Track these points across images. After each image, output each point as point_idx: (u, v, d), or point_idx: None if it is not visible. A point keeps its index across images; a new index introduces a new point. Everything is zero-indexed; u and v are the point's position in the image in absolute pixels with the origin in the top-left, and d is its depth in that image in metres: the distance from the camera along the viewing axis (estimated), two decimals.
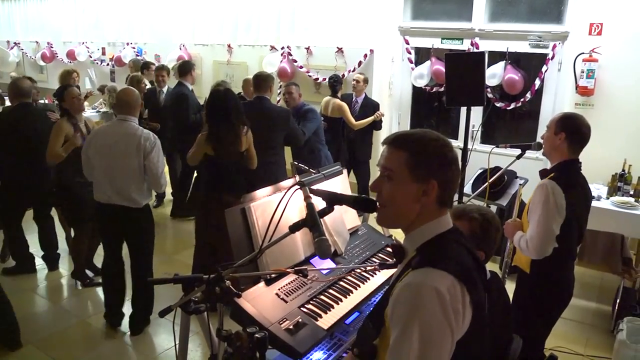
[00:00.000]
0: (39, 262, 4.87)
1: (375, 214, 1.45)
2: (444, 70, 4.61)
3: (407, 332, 1.18)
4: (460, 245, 1.36)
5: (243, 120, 3.86)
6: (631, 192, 4.47)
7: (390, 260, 2.44)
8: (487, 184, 3.67)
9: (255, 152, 4.14)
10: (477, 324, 1.28)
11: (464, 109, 5.65)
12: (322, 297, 2.25)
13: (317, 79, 7.05)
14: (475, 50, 5.90)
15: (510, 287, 2.86)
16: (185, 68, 5.91)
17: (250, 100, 4.53)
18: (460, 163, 1.39)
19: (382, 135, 6.22)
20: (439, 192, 1.34)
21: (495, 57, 5.86)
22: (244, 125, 3.86)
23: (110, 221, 3.67)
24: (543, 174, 2.75)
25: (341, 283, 2.38)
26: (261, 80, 4.52)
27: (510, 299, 2.35)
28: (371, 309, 1.53)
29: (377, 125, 5.92)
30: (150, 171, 3.54)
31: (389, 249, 2.74)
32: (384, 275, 2.47)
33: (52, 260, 4.82)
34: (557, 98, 5.72)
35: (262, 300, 2.09)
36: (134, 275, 3.82)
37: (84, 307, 4.17)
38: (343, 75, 6.35)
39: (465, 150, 4.17)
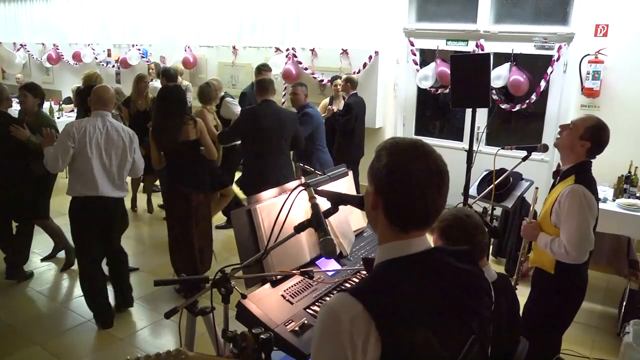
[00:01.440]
0: (45, 263, 4.92)
1: None
2: (449, 71, 4.59)
3: (315, 347, 1.16)
4: (417, 277, 1.19)
5: (183, 112, 4.08)
6: (637, 194, 4.45)
7: None
8: (492, 185, 3.66)
9: (266, 153, 4.36)
10: None
11: (469, 111, 5.64)
12: (327, 298, 2.25)
13: (322, 80, 7.06)
14: (481, 51, 5.90)
15: (521, 290, 2.87)
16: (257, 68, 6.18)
17: (257, 104, 4.56)
18: (443, 180, 1.19)
19: (384, 137, 6.21)
20: (384, 207, 1.21)
21: (501, 58, 5.85)
22: (187, 116, 4.10)
23: (96, 214, 3.78)
24: (562, 175, 2.73)
25: (347, 285, 2.38)
26: (264, 85, 4.56)
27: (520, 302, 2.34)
28: None
29: (337, 124, 5.85)
30: (135, 161, 3.89)
31: None
32: None
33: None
34: (562, 100, 5.71)
35: (267, 302, 2.10)
36: (115, 260, 4.08)
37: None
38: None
39: (470, 151, 4.17)
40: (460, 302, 1.22)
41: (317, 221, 1.74)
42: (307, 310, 2.14)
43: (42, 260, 4.97)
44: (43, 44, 11.00)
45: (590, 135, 2.61)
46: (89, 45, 10.08)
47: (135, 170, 3.95)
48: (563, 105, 5.68)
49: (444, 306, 1.19)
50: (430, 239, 1.33)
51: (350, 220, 2.75)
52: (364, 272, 2.47)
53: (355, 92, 6.00)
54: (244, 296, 2.02)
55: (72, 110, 7.92)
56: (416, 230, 1.22)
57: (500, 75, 5.70)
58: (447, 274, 1.23)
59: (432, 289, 1.19)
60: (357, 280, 2.42)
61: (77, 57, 10.13)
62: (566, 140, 2.68)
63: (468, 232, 1.96)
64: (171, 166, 4.16)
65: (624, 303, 3.98)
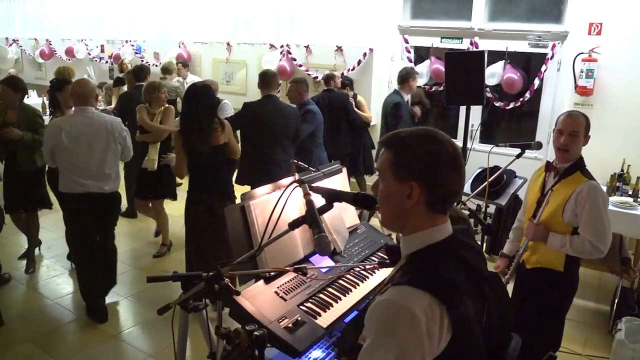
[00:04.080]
0: (40, 261, 4.88)
1: (377, 213, 1.45)
2: (443, 69, 4.62)
3: (378, 346, 1.14)
4: (453, 256, 1.28)
5: (213, 114, 3.78)
6: (630, 192, 4.47)
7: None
8: (486, 183, 3.67)
9: (270, 149, 4.28)
10: (459, 343, 1.18)
11: (463, 108, 5.65)
12: (321, 295, 2.25)
13: (317, 77, 7.04)
14: (475, 49, 5.90)
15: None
16: (404, 77, 5.61)
17: (260, 99, 4.50)
18: (462, 160, 1.31)
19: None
20: (426, 196, 1.24)
21: (495, 56, 5.86)
22: (216, 119, 3.77)
23: (89, 211, 3.80)
24: (565, 172, 2.72)
25: (340, 281, 2.38)
26: (268, 78, 4.49)
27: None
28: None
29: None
30: (126, 149, 3.94)
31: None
32: (383, 274, 2.46)
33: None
34: (556, 98, 5.72)
35: (261, 299, 2.09)
36: (103, 255, 4.04)
37: (83, 305, 4.16)
38: (342, 73, 6.34)
39: (464, 149, 4.18)
40: (477, 272, 1.33)
41: (312, 218, 1.73)
42: (301, 307, 2.13)
43: (19, 258, 4.84)
44: (36, 39, 10.92)
45: (588, 128, 2.72)
46: (82, 40, 10.02)
47: (126, 153, 3.97)
48: (557, 103, 5.69)
49: (470, 278, 1.29)
50: None
51: (344, 217, 2.75)
52: (358, 269, 2.47)
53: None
54: (237, 293, 2.01)
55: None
56: (446, 214, 1.31)
57: (494, 73, 5.72)
58: (467, 250, 1.34)
59: (463, 265, 1.28)
60: (351, 277, 2.42)
61: (70, 52, 10.06)
62: (579, 147, 2.71)
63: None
64: (195, 175, 3.84)
65: (616, 300, 4.00)
